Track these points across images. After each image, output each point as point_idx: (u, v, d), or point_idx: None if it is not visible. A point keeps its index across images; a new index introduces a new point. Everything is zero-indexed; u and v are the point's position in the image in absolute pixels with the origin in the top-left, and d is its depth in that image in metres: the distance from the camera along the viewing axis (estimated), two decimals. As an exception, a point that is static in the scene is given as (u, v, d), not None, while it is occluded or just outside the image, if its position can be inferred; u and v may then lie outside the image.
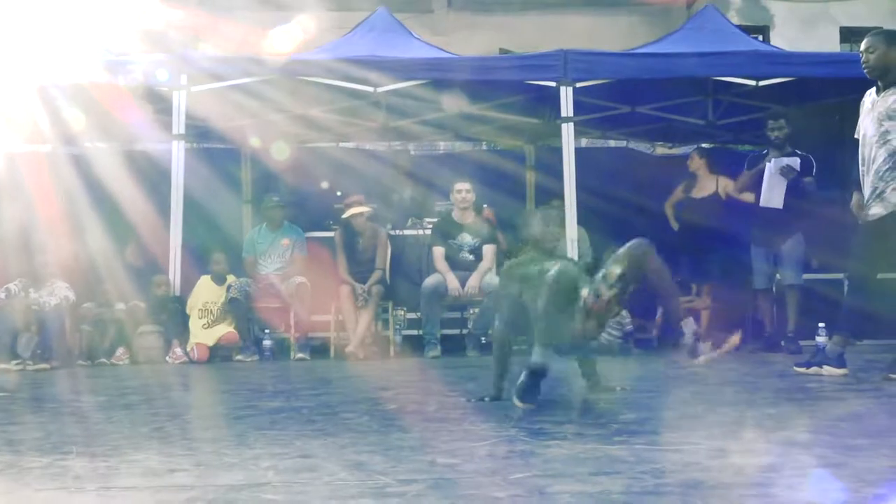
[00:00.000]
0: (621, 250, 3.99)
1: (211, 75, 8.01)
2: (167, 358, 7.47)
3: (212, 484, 2.51)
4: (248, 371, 6.79)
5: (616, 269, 3.84)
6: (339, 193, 9.34)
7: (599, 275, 3.95)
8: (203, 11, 13.34)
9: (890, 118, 5.17)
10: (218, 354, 7.68)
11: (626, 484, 2.38)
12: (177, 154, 7.81)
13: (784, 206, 7.46)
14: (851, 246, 5.58)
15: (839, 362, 5.36)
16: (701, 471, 2.55)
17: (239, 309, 7.75)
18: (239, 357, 7.63)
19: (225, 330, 7.73)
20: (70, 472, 2.70)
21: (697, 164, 8.56)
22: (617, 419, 3.63)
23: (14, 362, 7.10)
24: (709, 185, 8.39)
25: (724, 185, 8.32)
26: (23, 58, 7.58)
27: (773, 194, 7.48)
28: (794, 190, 7.44)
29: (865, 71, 5.32)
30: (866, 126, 5.34)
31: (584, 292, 3.97)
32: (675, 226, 8.64)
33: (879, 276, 5.41)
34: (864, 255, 5.37)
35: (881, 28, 9.66)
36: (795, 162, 7.42)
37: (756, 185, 7.62)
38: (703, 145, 10.12)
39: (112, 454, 2.98)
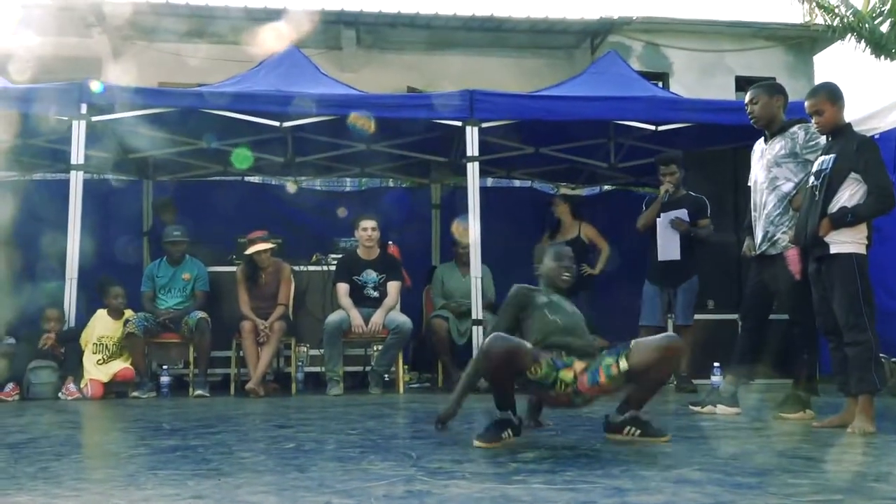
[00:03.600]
0: (651, 343, 4.09)
1: (113, 106, 7.85)
2: (60, 394, 7.21)
3: (97, 527, 2.43)
4: (144, 408, 6.60)
5: (624, 364, 4.02)
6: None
7: (603, 361, 4.05)
8: (108, 39, 13.12)
9: (778, 165, 5.37)
10: (113, 391, 7.46)
11: (522, 524, 2.38)
12: (75, 184, 7.60)
13: (681, 254, 7.65)
14: (744, 288, 5.75)
15: (732, 401, 5.49)
16: (595, 510, 2.57)
17: (136, 344, 7.54)
18: (135, 394, 7.42)
19: (120, 366, 7.51)
20: (-54, 516, 2.57)
21: (562, 209, 8.79)
22: (515, 458, 3.64)
23: None
24: (572, 229, 8.64)
25: (585, 231, 8.58)
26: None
27: (668, 247, 7.67)
28: (689, 238, 7.65)
29: (752, 121, 5.52)
30: (757, 173, 5.54)
31: (579, 367, 4.05)
32: None
33: (770, 316, 5.58)
34: (756, 296, 5.54)
35: (773, 79, 10.07)
36: (683, 213, 7.63)
37: (651, 229, 7.83)
38: (567, 192, 10.39)
39: (-7, 496, 2.86)
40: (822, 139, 5.11)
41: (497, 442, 3.98)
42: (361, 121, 7.91)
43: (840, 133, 4.86)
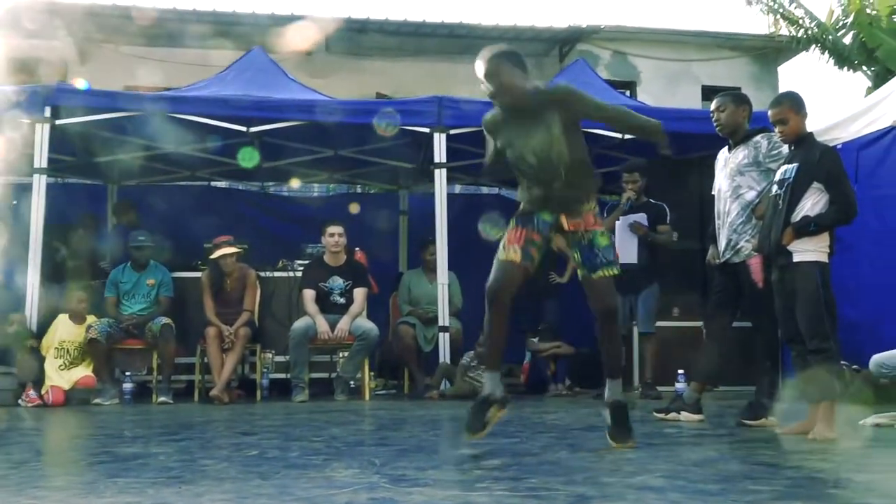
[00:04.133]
0: (602, 290, 4.20)
1: (77, 109, 7.78)
2: (20, 401, 7.11)
3: (54, 535, 2.39)
4: (106, 415, 6.52)
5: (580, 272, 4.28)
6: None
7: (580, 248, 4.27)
8: (74, 43, 13.01)
9: (741, 174, 5.42)
10: (76, 397, 7.37)
11: (484, 531, 2.37)
12: (38, 188, 7.52)
13: (639, 258, 7.71)
14: (708, 296, 5.79)
15: (696, 408, 5.52)
16: (558, 517, 2.56)
17: (99, 350, 7.46)
18: (97, 401, 7.34)
19: (83, 373, 7.42)
20: None
21: None
22: (479, 465, 3.63)
23: None
24: None
25: (556, 240, 8.58)
26: None
27: (626, 250, 7.73)
28: (647, 242, 7.71)
29: (717, 129, 5.57)
30: (720, 181, 5.58)
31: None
32: None
33: (734, 324, 5.61)
34: (720, 304, 5.58)
35: (739, 89, 10.17)
36: (643, 218, 7.69)
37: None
38: None
39: (-52, 504, 2.81)
40: (785, 148, 5.16)
41: (482, 430, 3.99)
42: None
43: (802, 142, 4.91)
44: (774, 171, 5.11)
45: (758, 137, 5.44)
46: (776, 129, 4.98)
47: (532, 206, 4.23)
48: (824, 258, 4.73)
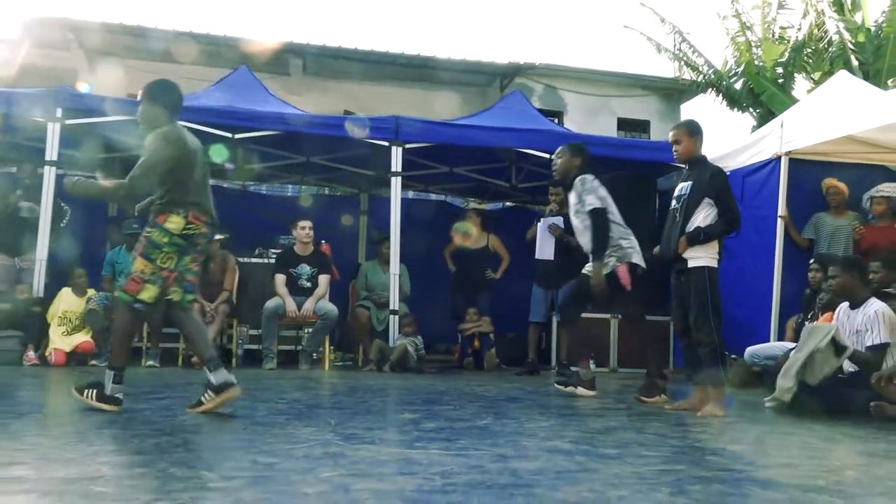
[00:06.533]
0: None
1: (84, 111, 7.59)
2: (24, 361, 6.92)
3: (48, 476, 2.33)
4: (100, 375, 6.35)
5: None
6: None
7: None
8: (84, 53, 12.74)
9: (576, 214, 5.53)
10: (75, 359, 7.20)
11: (419, 483, 2.36)
12: (48, 178, 7.33)
13: (555, 256, 7.76)
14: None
15: (591, 385, 5.56)
16: (482, 473, 2.56)
17: (97, 319, 7.30)
18: (94, 362, 7.17)
19: (83, 338, 7.25)
20: None
21: (474, 220, 8.84)
22: (418, 427, 3.62)
23: None
24: (482, 239, 8.71)
25: (492, 241, 8.69)
26: None
27: (544, 248, 7.78)
28: (562, 244, 7.79)
29: (554, 174, 5.78)
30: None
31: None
32: (452, 268, 8.88)
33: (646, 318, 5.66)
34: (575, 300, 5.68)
35: (648, 122, 10.27)
36: (560, 221, 7.76)
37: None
38: (479, 206, 10.49)
39: (-45, 448, 2.72)
40: (601, 190, 5.39)
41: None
42: None
43: (696, 163, 4.95)
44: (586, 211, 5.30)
45: (577, 181, 5.51)
46: (673, 149, 5.02)
47: None
48: (714, 263, 4.79)
